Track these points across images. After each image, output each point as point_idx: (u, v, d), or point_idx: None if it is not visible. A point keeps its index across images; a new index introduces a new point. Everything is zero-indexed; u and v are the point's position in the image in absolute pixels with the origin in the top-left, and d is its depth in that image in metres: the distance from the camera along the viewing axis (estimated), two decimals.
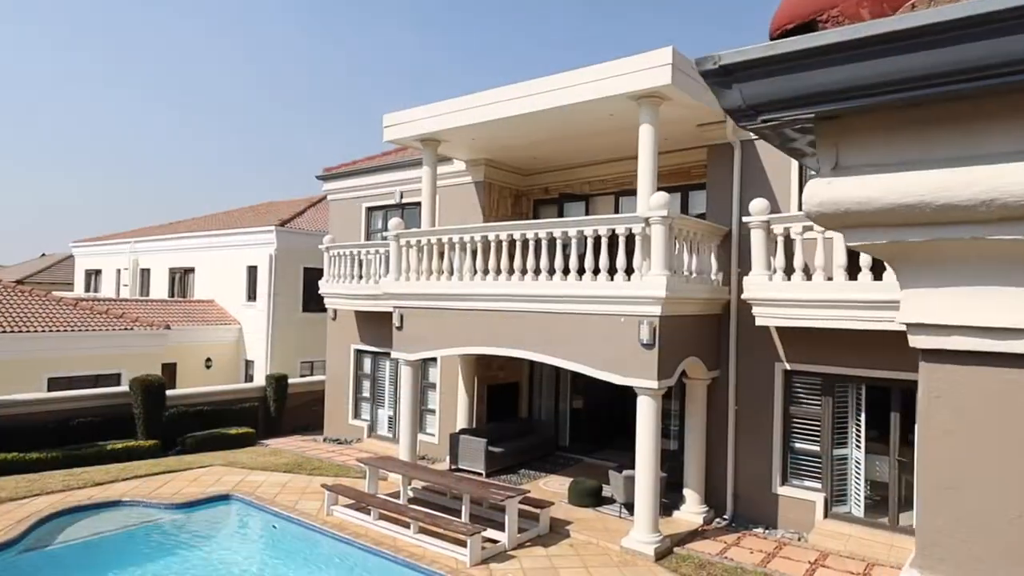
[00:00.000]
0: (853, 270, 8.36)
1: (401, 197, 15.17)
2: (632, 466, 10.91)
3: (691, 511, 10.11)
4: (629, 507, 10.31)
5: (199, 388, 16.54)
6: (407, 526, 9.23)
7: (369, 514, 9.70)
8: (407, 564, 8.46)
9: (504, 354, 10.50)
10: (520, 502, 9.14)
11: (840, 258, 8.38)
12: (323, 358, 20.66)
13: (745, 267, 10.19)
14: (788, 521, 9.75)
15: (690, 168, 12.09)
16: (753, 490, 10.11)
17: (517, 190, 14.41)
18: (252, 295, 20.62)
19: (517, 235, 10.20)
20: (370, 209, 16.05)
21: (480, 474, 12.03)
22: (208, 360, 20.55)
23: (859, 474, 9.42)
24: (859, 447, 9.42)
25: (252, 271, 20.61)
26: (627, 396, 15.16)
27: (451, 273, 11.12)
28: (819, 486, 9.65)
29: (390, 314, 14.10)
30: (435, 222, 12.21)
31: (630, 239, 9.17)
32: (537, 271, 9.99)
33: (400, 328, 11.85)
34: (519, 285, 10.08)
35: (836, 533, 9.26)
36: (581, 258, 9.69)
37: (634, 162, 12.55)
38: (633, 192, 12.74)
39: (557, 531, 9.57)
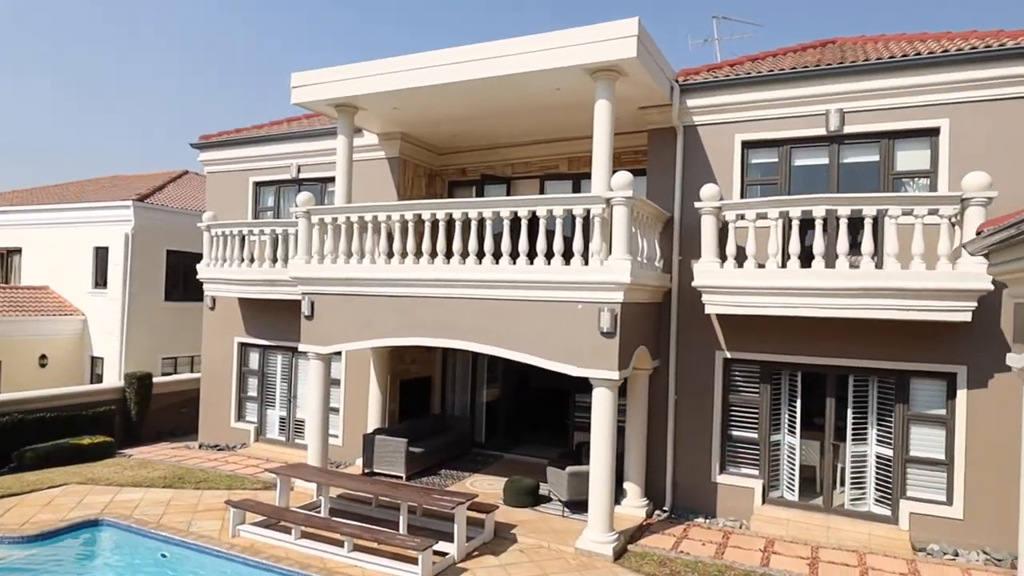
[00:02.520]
0: (805, 258, 8.42)
1: (299, 172, 13.55)
2: (564, 461, 10.53)
3: (633, 505, 9.80)
4: (572, 505, 9.86)
5: (39, 391, 13.80)
6: (338, 544, 8.04)
7: (289, 532, 8.36)
8: None
9: (439, 345, 9.54)
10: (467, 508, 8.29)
11: (794, 246, 8.38)
12: (189, 354, 18.40)
13: (687, 254, 10.07)
14: (727, 509, 9.73)
15: (619, 154, 11.72)
16: (692, 480, 10.00)
17: (431, 169, 13.38)
18: (101, 281, 17.67)
19: (457, 214, 9.30)
20: (259, 184, 14.22)
21: (400, 477, 10.98)
22: (43, 357, 17.35)
23: (793, 460, 9.60)
24: (794, 433, 9.60)
25: (102, 253, 17.64)
26: (543, 389, 14.88)
27: (378, 256, 9.95)
28: (756, 473, 9.72)
29: (283, 302, 12.66)
30: (351, 198, 10.91)
31: (586, 221, 8.63)
32: (480, 254, 9.17)
33: (310, 317, 10.47)
34: (458, 269, 9.19)
35: (774, 518, 9.36)
36: (532, 241, 8.99)
37: (561, 144, 12.25)
38: (559, 176, 12.44)
39: (502, 536, 8.84)
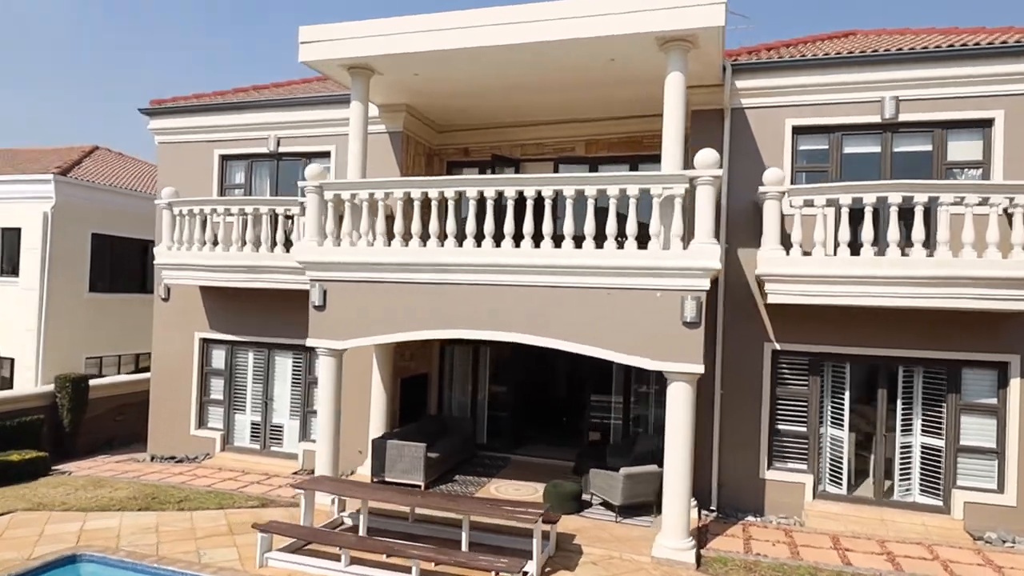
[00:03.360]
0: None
1: (278, 145, 11.98)
2: (586, 462, 9.92)
3: None
4: (624, 510, 9.17)
5: None
6: (394, 568, 6.91)
7: (331, 559, 7.12)
8: None
9: (484, 338, 8.56)
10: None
11: (867, 233, 8.14)
12: (118, 352, 16.11)
13: (733, 241, 9.67)
14: (777, 506, 9.42)
15: (642, 138, 11.26)
16: (739, 477, 9.61)
17: (430, 148, 12.25)
18: (11, 268, 14.97)
19: (511, 191, 8.35)
20: (227, 158, 12.46)
21: (419, 486, 9.87)
22: None
23: (841, 453, 9.43)
24: (841, 426, 9.43)
25: (12, 236, 14.94)
26: (550, 384, 14.22)
27: (409, 239, 8.79)
28: (805, 467, 9.47)
29: (262, 292, 11.17)
30: (365, 174, 9.63)
31: (648, 204, 7.96)
32: (537, 238, 8.27)
33: (322, 308, 9.14)
34: (512, 254, 8.25)
35: (828, 513, 9.15)
36: (601, 224, 8.18)
37: (578, 125, 11.57)
38: (575, 160, 11.80)
39: (564, 547, 8.00)
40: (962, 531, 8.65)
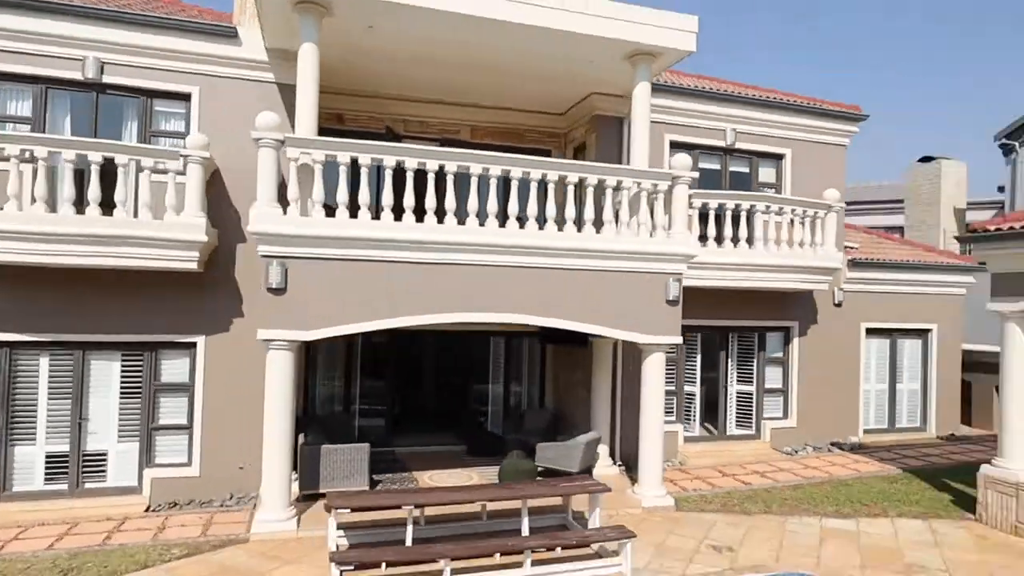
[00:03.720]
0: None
1: (101, 72, 8.71)
2: (493, 444, 10.61)
3: (605, 464, 10.42)
4: (581, 475, 9.84)
5: None
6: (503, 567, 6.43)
7: None
8: None
9: (480, 320, 8.24)
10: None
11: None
12: None
13: None
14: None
15: (524, 131, 11.94)
16: (630, 432, 11.20)
17: None
18: None
19: (517, 172, 8.24)
20: (5, 77, 8.46)
21: (364, 492, 8.73)
22: None
23: (694, 403, 11.94)
24: (695, 383, 11.93)
25: None
26: (425, 374, 13.36)
27: (388, 212, 7.82)
28: (674, 418, 11.63)
29: (61, 270, 8.35)
30: (317, 133, 8.03)
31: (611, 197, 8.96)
32: (541, 219, 8.39)
33: (281, 291, 7.45)
34: (518, 234, 8.22)
35: (695, 452, 11.50)
36: (599, 209, 8.71)
37: (467, 109, 11.71)
38: (460, 143, 11.68)
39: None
40: (769, 449, 11.97)
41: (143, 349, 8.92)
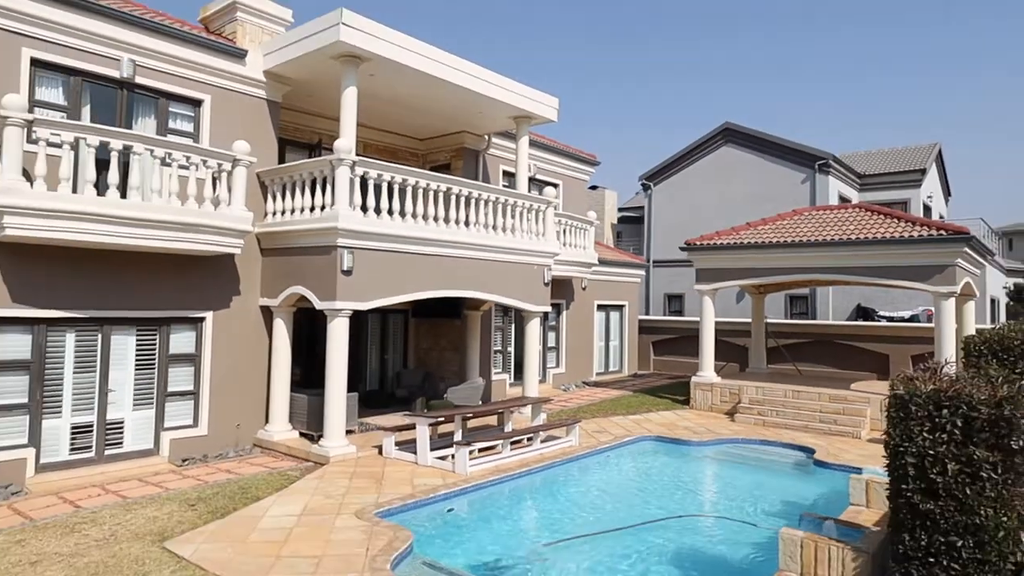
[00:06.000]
0: None
1: (134, 72, 9.43)
2: (369, 399, 14.12)
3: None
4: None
5: None
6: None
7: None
8: None
9: (447, 295, 11.72)
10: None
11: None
12: None
13: None
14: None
15: (398, 149, 15.26)
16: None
17: None
18: None
19: (477, 193, 11.99)
20: (41, 64, 8.54)
21: (352, 432, 11.37)
22: None
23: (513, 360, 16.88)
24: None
25: None
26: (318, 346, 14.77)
27: (418, 217, 10.94)
28: (500, 369, 16.37)
29: (86, 251, 9.61)
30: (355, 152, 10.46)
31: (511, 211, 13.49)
32: (484, 225, 12.31)
33: (349, 272, 10.02)
34: (469, 234, 11.81)
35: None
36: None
37: (371, 131, 14.61)
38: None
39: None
40: (551, 388, 17.66)
41: (157, 324, 9.92)
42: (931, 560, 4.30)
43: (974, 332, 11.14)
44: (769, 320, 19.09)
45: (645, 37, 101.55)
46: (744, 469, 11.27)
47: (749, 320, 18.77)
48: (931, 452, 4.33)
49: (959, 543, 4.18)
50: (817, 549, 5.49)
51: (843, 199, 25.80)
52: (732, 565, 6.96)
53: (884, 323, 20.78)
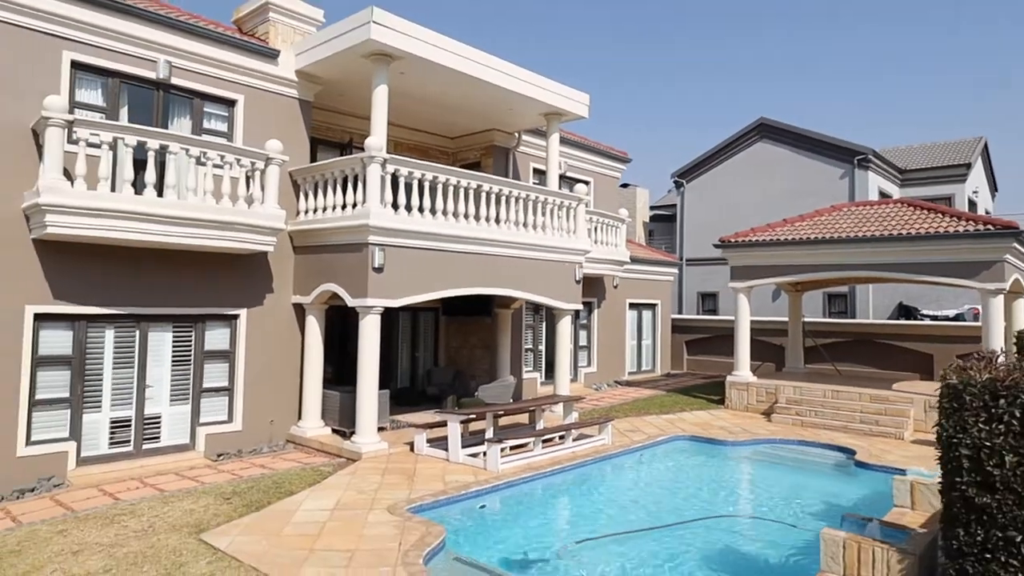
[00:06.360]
0: None
1: (170, 73, 9.61)
2: (401, 397, 14.07)
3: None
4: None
5: None
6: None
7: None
8: None
9: (478, 292, 11.66)
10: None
11: None
12: None
13: None
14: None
15: (429, 148, 15.27)
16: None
17: None
18: None
19: (508, 190, 11.92)
20: (81, 67, 8.77)
21: (384, 429, 11.39)
22: None
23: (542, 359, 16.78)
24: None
25: None
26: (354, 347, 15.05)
27: (449, 215, 10.91)
28: (531, 367, 16.27)
29: (125, 249, 9.70)
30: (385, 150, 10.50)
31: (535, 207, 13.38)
32: (515, 222, 12.23)
33: (380, 270, 10.03)
34: (500, 231, 11.73)
35: (576, 388, 16.33)
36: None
37: (402, 130, 14.69)
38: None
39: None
40: (583, 386, 17.50)
41: (193, 321, 10.06)
42: (987, 556, 4.09)
43: None
44: (807, 319, 18.65)
45: (670, 36, 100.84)
46: (782, 470, 10.97)
47: (785, 319, 18.37)
48: (987, 444, 4.12)
49: (1018, 538, 3.96)
50: (860, 550, 5.28)
51: (883, 195, 25.10)
52: (771, 566, 6.74)
53: (928, 322, 20.13)
